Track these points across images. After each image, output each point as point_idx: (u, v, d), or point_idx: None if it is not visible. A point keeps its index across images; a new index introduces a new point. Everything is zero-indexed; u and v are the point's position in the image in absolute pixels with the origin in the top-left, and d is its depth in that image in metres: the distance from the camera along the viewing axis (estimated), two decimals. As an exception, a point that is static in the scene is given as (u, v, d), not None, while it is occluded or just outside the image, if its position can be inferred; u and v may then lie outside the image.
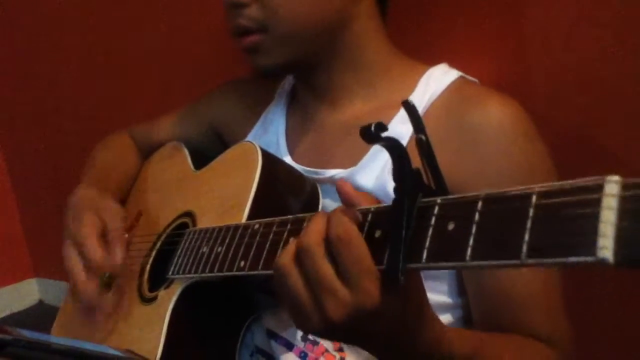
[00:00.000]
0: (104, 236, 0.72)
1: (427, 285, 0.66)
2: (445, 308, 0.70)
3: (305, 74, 0.77)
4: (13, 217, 2.02)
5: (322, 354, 0.66)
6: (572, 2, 0.75)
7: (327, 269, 0.43)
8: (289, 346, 0.69)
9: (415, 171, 0.43)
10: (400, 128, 0.68)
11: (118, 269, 0.70)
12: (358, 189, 0.69)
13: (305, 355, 0.67)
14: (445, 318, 0.69)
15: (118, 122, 1.06)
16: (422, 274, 0.48)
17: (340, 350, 0.65)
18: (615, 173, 0.32)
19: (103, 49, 1.47)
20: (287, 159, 0.78)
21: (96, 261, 0.69)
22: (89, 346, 0.68)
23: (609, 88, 0.75)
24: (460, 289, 0.69)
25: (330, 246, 0.43)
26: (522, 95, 0.70)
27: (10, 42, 1.76)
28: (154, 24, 1.32)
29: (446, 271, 0.69)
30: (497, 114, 0.66)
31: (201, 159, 0.83)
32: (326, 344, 0.67)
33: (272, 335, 0.70)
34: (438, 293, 0.69)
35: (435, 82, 0.71)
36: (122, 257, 0.70)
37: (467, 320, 0.70)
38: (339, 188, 0.49)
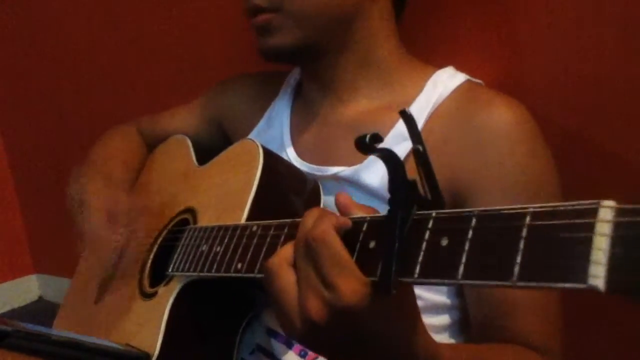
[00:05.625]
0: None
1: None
2: (444, 309, 0.69)
3: (313, 65, 0.75)
4: (14, 213, 2.03)
5: None
6: (573, 4, 0.75)
7: (311, 268, 0.43)
8: (289, 344, 0.69)
9: (410, 182, 0.42)
10: (405, 131, 0.67)
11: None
12: (364, 187, 0.69)
13: (305, 353, 0.67)
14: (443, 319, 0.69)
15: (121, 118, 1.05)
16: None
17: None
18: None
19: (106, 43, 1.47)
20: (291, 155, 0.77)
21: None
22: (88, 339, 0.69)
23: (609, 89, 0.74)
24: (460, 291, 0.69)
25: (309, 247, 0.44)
26: (523, 96, 0.70)
27: (12, 37, 1.75)
28: (159, 19, 1.31)
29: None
30: (502, 116, 0.65)
31: (204, 153, 0.83)
32: None
33: (271, 333, 0.70)
34: (437, 293, 0.69)
35: (442, 85, 0.71)
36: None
37: (464, 323, 0.69)
38: (337, 202, 0.48)
